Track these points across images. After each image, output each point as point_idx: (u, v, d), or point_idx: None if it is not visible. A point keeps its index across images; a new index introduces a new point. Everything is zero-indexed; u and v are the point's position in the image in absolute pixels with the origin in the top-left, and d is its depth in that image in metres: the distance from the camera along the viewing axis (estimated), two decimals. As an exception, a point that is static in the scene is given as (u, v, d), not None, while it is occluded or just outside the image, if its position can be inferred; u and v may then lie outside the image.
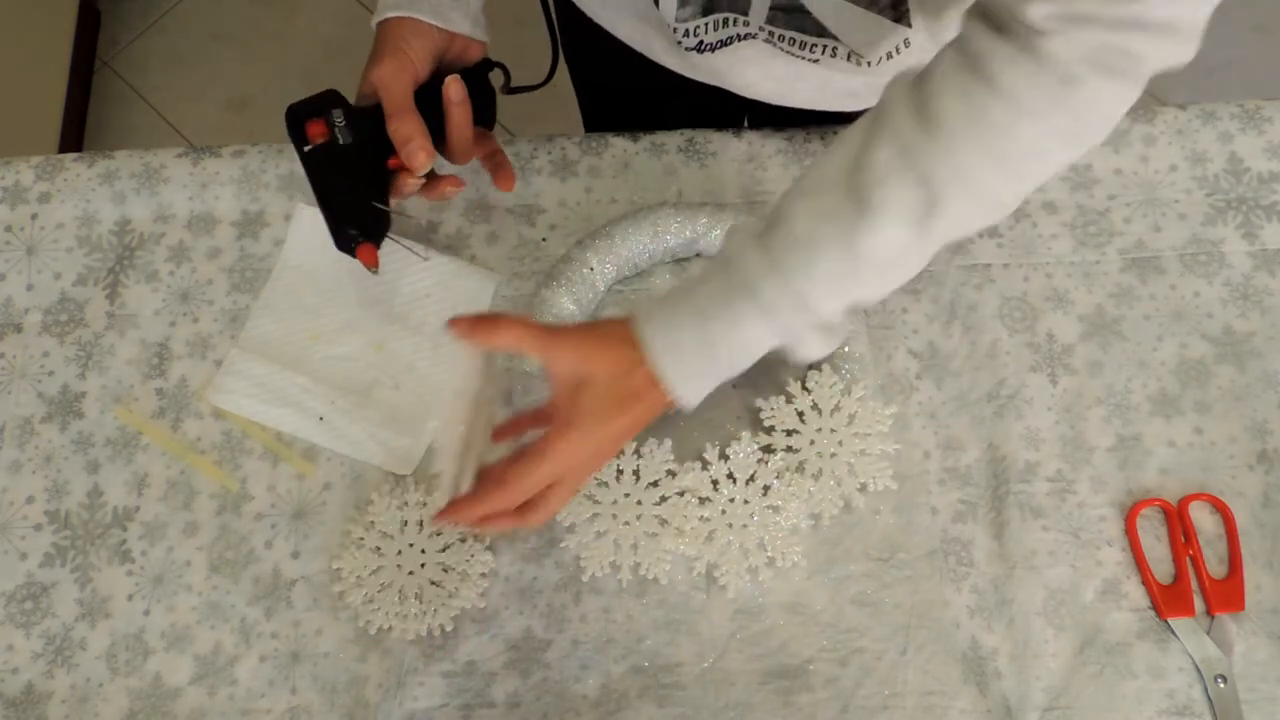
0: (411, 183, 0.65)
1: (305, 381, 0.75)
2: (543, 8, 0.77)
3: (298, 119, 0.65)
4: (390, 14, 0.65)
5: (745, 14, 0.67)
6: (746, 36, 0.70)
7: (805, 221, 0.55)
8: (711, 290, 0.57)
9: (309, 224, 0.78)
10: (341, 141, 0.64)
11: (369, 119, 0.64)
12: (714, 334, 0.56)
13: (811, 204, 0.55)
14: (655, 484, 0.69)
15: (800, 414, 0.71)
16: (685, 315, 0.57)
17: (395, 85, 0.63)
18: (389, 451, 0.73)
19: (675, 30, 0.70)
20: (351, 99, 0.66)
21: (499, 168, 0.72)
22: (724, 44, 0.71)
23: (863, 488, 0.70)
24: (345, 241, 0.65)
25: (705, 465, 0.70)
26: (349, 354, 0.76)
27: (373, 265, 0.65)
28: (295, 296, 0.77)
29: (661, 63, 0.80)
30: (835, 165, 0.56)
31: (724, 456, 0.70)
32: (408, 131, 0.63)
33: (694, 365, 0.57)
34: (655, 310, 0.58)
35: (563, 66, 0.98)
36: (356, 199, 0.65)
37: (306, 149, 0.64)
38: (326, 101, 0.66)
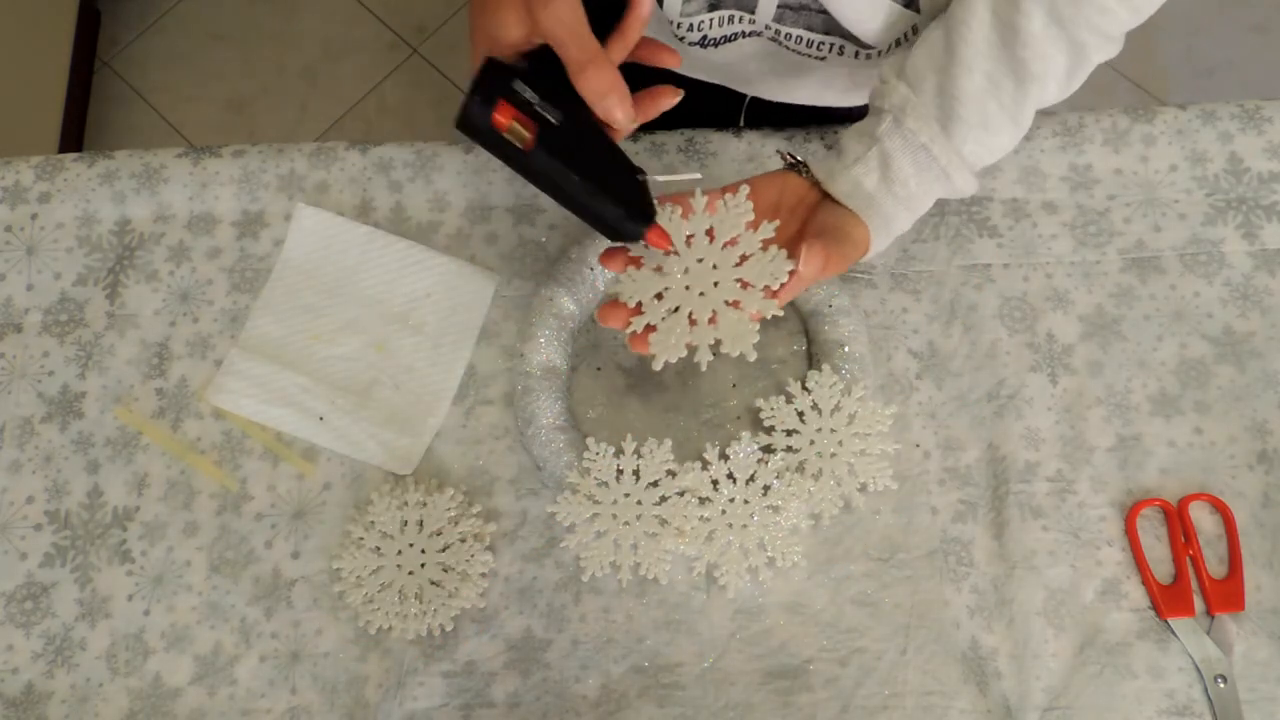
0: (629, 127, 0.56)
1: (305, 381, 0.75)
2: None
3: (482, 113, 0.51)
4: None
5: (751, 12, 0.67)
6: (751, 34, 0.70)
7: (975, 104, 0.60)
8: (910, 180, 0.63)
9: (309, 224, 0.78)
10: (554, 121, 0.52)
11: (555, 76, 0.53)
12: (913, 215, 0.65)
13: (976, 82, 0.60)
14: (655, 484, 0.69)
15: (800, 414, 0.71)
16: (895, 208, 0.63)
17: (580, 27, 0.53)
18: (389, 451, 0.73)
19: (679, 26, 0.69)
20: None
21: (655, 49, 0.60)
22: (728, 40, 0.71)
23: (863, 488, 0.70)
24: (633, 231, 0.55)
25: (705, 465, 0.70)
26: (349, 354, 0.76)
27: (670, 246, 0.56)
28: (295, 296, 0.77)
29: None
30: (985, 27, 0.59)
31: (724, 456, 0.70)
32: (606, 83, 0.53)
33: (895, 237, 0.66)
34: (878, 215, 0.63)
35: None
36: (616, 180, 0.54)
37: (529, 149, 0.51)
38: (500, 75, 0.52)
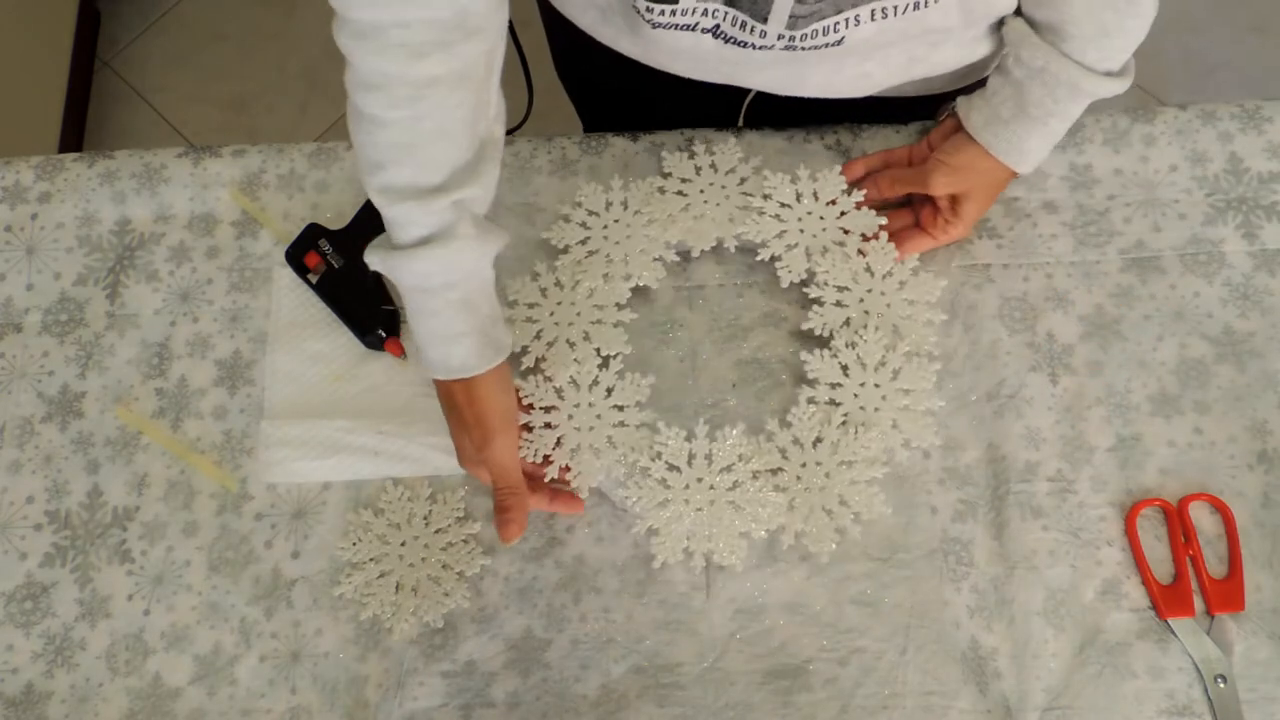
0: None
1: (345, 423, 0.74)
2: (519, 57, 0.77)
3: (294, 254, 0.78)
4: (475, 372, 0.64)
5: (764, 21, 0.65)
6: (762, 48, 0.68)
7: (1088, 17, 0.67)
8: (1045, 99, 0.69)
9: (286, 282, 0.78)
10: (335, 266, 0.77)
11: (348, 240, 0.77)
12: (1060, 123, 0.71)
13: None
14: (729, 469, 0.69)
15: (844, 367, 0.71)
16: (1030, 127, 0.71)
17: (511, 465, 0.67)
18: (448, 454, 0.71)
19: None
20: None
21: (563, 501, 0.71)
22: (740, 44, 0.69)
23: (906, 443, 0.71)
24: (374, 340, 0.75)
25: (770, 437, 0.70)
26: (375, 382, 0.75)
27: (401, 354, 0.75)
28: (299, 350, 0.76)
29: (661, 69, 0.79)
30: None
31: (786, 424, 0.70)
32: (519, 512, 0.66)
33: (1051, 144, 0.73)
34: (1011, 138, 0.71)
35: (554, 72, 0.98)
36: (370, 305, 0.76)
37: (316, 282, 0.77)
38: (317, 235, 0.78)
